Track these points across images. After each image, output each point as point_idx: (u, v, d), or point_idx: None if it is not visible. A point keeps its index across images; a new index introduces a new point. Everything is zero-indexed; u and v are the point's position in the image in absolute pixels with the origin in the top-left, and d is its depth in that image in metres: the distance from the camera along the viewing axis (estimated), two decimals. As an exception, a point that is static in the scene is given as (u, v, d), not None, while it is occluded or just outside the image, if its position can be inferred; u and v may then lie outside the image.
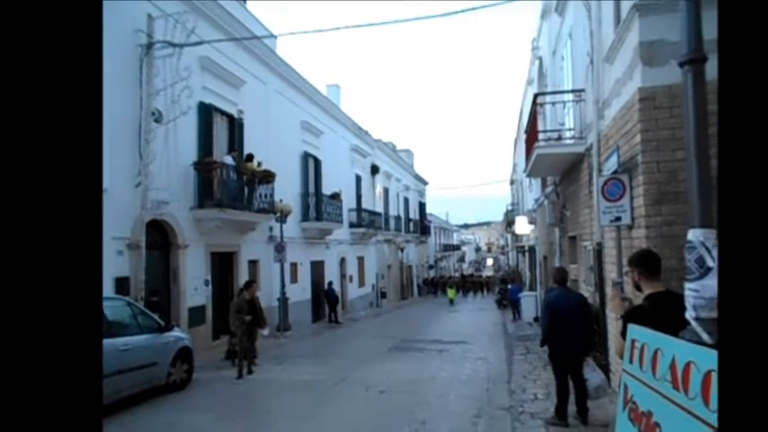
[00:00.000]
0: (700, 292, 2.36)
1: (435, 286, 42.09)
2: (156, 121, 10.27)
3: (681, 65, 2.68)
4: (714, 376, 1.90)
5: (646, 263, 3.27)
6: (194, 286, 11.71)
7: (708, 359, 1.99)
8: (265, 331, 10.56)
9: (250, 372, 9.46)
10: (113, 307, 7.63)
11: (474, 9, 8.46)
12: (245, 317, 9.51)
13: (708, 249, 2.36)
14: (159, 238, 10.91)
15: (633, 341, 2.68)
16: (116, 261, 9.35)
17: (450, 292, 31.69)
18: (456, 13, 8.67)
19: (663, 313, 2.58)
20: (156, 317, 8.51)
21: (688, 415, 2.06)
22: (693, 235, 2.44)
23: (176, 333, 8.74)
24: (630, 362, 2.67)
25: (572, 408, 5.95)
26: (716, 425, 1.84)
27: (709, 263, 2.34)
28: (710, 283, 2.32)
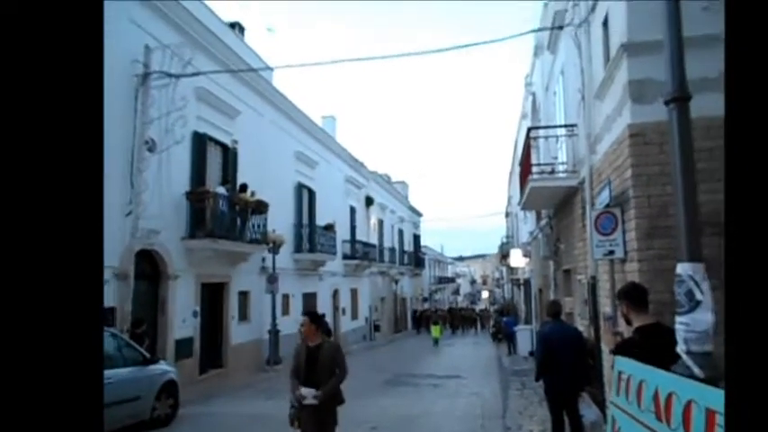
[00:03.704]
0: (690, 326, 2.33)
1: (419, 321, 36.18)
2: (150, 150, 10.30)
3: (666, 103, 2.72)
4: (694, 407, 1.91)
5: (632, 295, 3.30)
6: (182, 317, 11.51)
7: (688, 390, 1.99)
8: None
9: None
10: (98, 338, 7.47)
11: (468, 46, 8.65)
12: (297, 391, 4.67)
13: (696, 283, 2.34)
14: (148, 267, 10.78)
15: (620, 373, 2.66)
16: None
17: (435, 330, 26.37)
18: (450, 49, 8.85)
19: (652, 345, 2.55)
20: (141, 349, 8.32)
21: None
22: (682, 269, 2.42)
23: (162, 366, 8.52)
24: (618, 394, 2.66)
25: (567, 446, 5.79)
26: None
27: (698, 296, 2.32)
28: (701, 317, 2.31)
